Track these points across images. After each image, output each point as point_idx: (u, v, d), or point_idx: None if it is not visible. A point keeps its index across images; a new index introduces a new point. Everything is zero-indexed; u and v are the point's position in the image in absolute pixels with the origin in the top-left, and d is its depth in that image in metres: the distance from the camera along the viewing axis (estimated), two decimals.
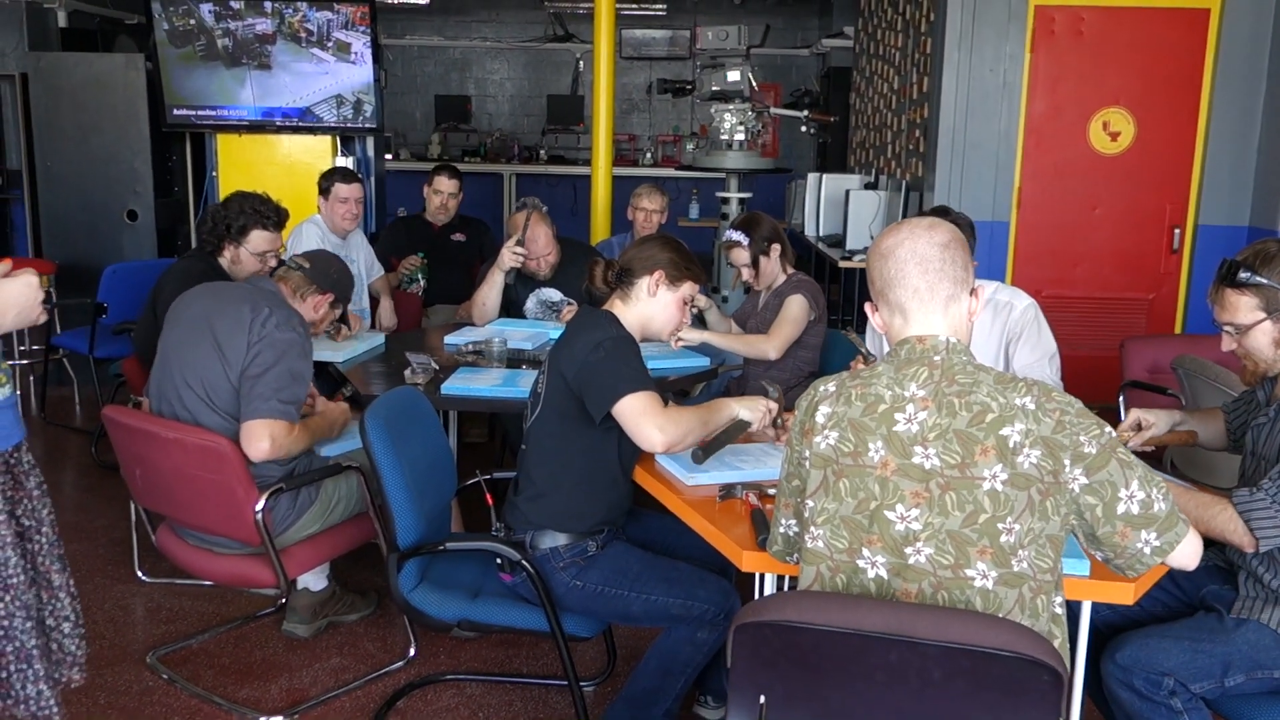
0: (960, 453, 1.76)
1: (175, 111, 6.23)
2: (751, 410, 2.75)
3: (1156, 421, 2.73)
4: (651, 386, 2.60)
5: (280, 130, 6.23)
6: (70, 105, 6.71)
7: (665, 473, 2.75)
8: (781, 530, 2.06)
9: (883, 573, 1.80)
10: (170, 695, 3.18)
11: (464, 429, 5.31)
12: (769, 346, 3.95)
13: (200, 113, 6.23)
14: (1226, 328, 2.40)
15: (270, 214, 3.87)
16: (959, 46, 5.97)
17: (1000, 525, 1.74)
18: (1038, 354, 3.16)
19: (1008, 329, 3.21)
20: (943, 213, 3.07)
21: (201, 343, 3.01)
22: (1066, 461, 1.73)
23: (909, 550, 1.78)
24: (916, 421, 1.80)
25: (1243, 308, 2.34)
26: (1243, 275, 2.29)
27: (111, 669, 3.29)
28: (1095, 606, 2.36)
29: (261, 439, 2.91)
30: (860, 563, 1.82)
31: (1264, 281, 2.28)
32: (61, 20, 8.74)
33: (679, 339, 3.90)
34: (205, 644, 3.49)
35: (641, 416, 2.54)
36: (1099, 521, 1.77)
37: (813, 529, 1.88)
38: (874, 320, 1.97)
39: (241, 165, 6.26)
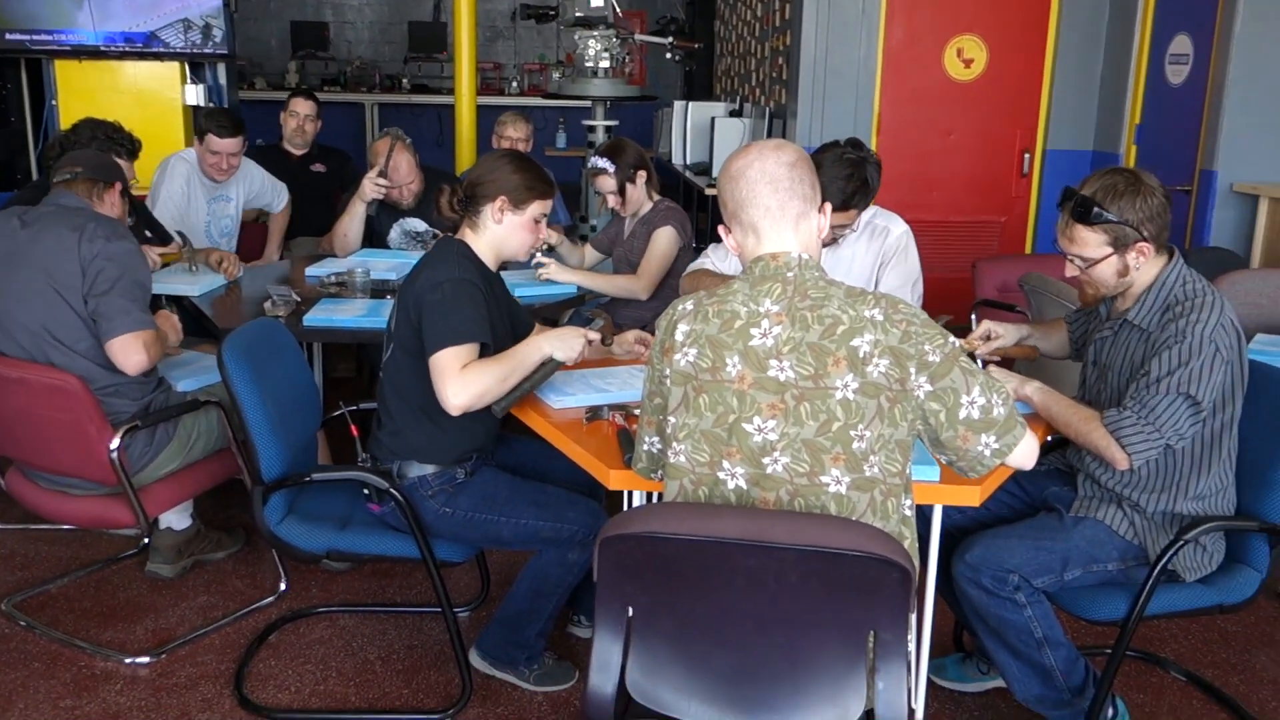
0: (813, 364, 1.82)
1: (7, 36, 5.88)
2: (565, 347, 2.65)
3: (1005, 333, 2.86)
4: (476, 337, 2.53)
5: (124, 56, 5.93)
6: None
7: (532, 396, 2.76)
8: (645, 448, 2.10)
9: (742, 483, 1.86)
10: (29, 641, 3.09)
11: (331, 364, 5.22)
12: (638, 287, 3.98)
13: (35, 37, 5.88)
14: (1073, 259, 2.48)
15: (124, 141, 3.69)
16: None
17: (852, 433, 1.81)
18: (901, 279, 3.24)
19: (882, 252, 3.27)
20: (856, 146, 3.11)
21: (29, 281, 2.87)
22: (912, 370, 1.81)
23: (766, 460, 1.84)
24: (771, 336, 1.85)
25: (1091, 243, 2.42)
26: (1096, 213, 2.38)
27: None
28: (946, 511, 2.48)
29: (137, 351, 2.86)
30: (721, 474, 1.87)
31: (1113, 219, 2.38)
32: None
33: (546, 274, 3.89)
34: (65, 588, 3.40)
35: (441, 377, 2.49)
36: (942, 426, 1.85)
37: (675, 445, 1.92)
38: (727, 242, 2.01)
39: (84, 93, 5.95)
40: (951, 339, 1.86)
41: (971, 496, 2.23)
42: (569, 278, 3.95)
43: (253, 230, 5.10)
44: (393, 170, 4.35)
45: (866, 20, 6.06)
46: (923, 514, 2.38)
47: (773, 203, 1.92)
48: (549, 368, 2.65)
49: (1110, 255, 2.41)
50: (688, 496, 1.92)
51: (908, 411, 1.83)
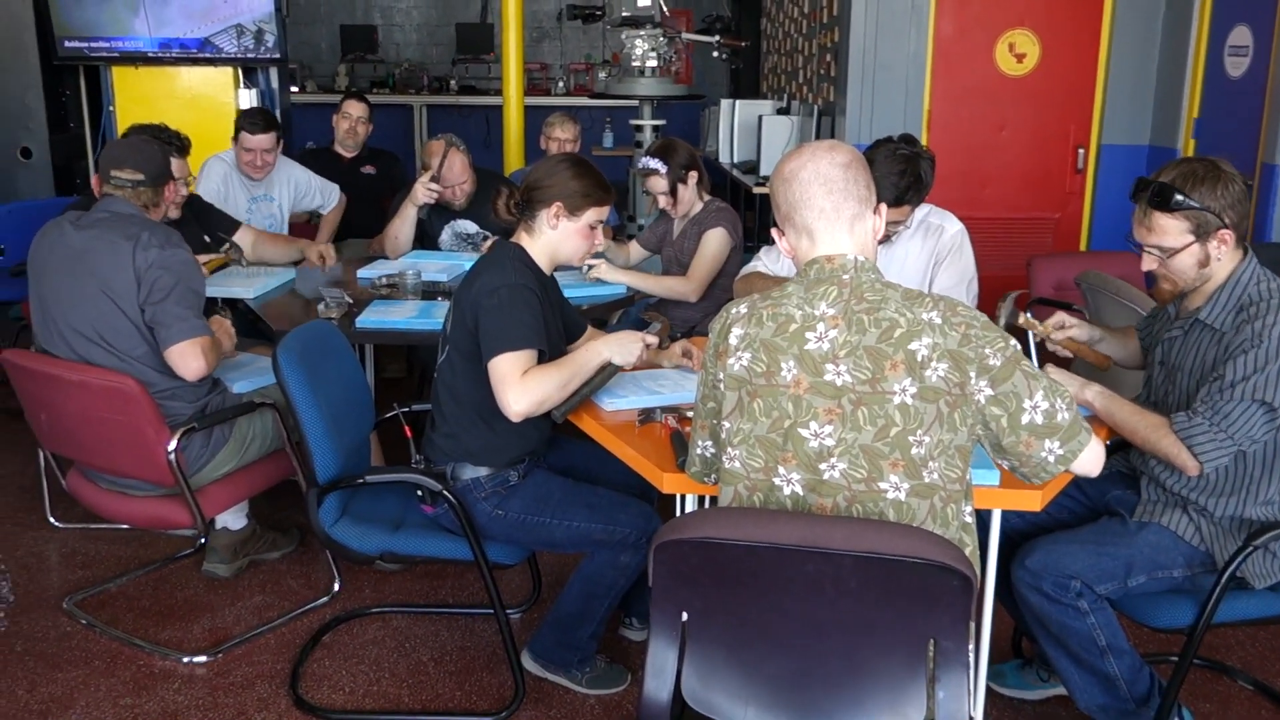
0: (870, 368, 1.79)
1: (66, 43, 5.97)
2: (623, 352, 2.65)
3: (1079, 326, 2.78)
4: (533, 344, 2.54)
5: (178, 62, 6.01)
6: None
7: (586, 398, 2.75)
8: (699, 452, 2.08)
9: (798, 489, 1.84)
10: (90, 640, 3.14)
11: (382, 364, 5.26)
12: (688, 289, 3.95)
13: (93, 44, 5.97)
14: (1151, 250, 2.41)
15: (173, 139, 3.74)
16: None
17: (911, 438, 1.78)
18: (955, 278, 3.20)
19: (936, 251, 3.23)
20: (910, 141, 3.08)
21: (83, 287, 2.91)
22: (972, 374, 1.78)
23: (823, 466, 1.81)
24: (827, 339, 1.82)
25: (1172, 231, 2.35)
26: (1177, 199, 2.32)
27: (27, 616, 3.24)
28: (1005, 515, 2.44)
29: (195, 358, 2.90)
30: (776, 480, 1.85)
31: (1195, 205, 2.32)
32: None
33: (596, 275, 3.89)
34: (124, 587, 3.44)
35: (501, 384, 2.50)
36: (1004, 432, 1.82)
37: (729, 450, 1.90)
38: (781, 244, 1.99)
39: (140, 99, 6.03)
40: (1013, 342, 1.82)
41: (1032, 501, 2.19)
42: (618, 278, 3.95)
43: (304, 231, 5.14)
44: (446, 170, 4.36)
45: (916, 15, 5.99)
46: (981, 518, 2.34)
47: (827, 204, 1.90)
48: (608, 372, 2.65)
49: (1191, 244, 2.35)
50: (742, 502, 1.90)
51: (968, 416, 1.80)
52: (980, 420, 1.82)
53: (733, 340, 1.90)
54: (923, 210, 3.23)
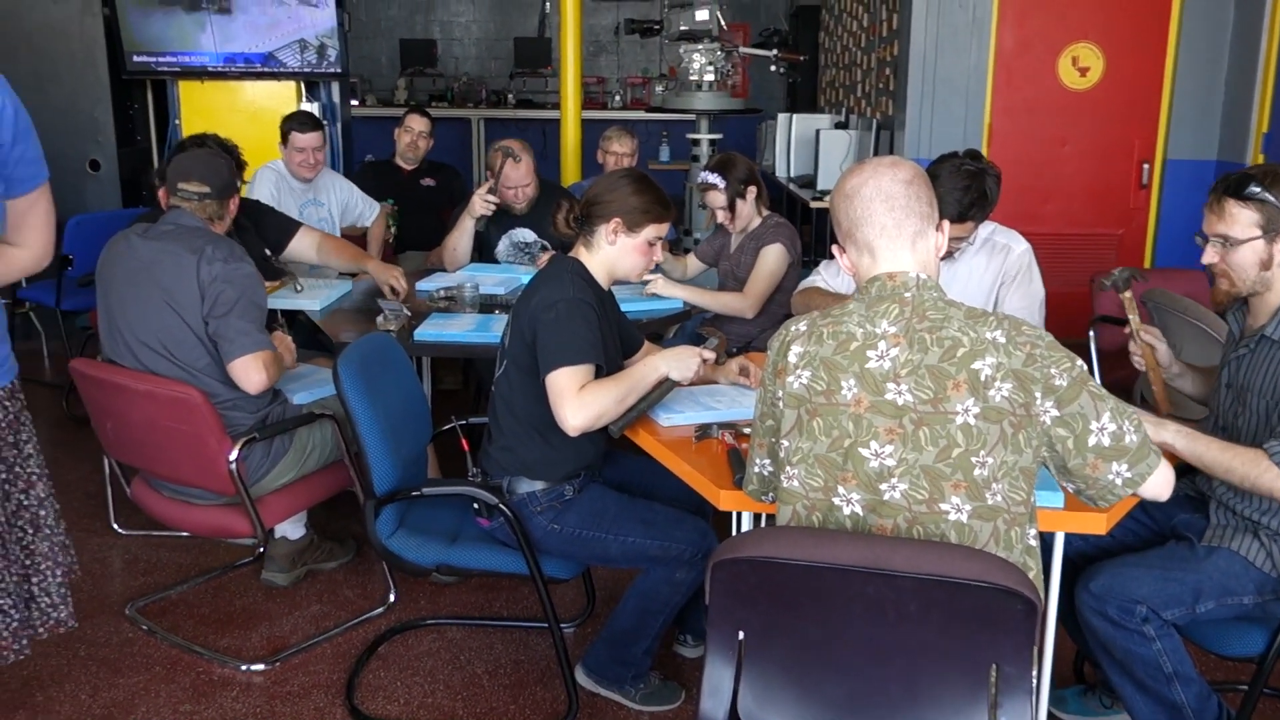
0: (932, 388, 1.77)
1: (135, 58, 6.10)
2: (681, 367, 2.66)
3: (1166, 347, 2.71)
4: (590, 359, 2.54)
5: (243, 76, 6.12)
6: (26, 51, 6.55)
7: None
8: (757, 470, 2.06)
9: (858, 509, 1.82)
10: (150, 646, 3.18)
11: (438, 376, 5.29)
12: (745, 305, 3.93)
13: (161, 59, 6.10)
14: (1215, 239, 2.37)
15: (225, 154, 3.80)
16: None
17: (974, 459, 1.75)
18: (1027, 300, 3.16)
19: (1003, 271, 3.19)
20: (975, 157, 3.05)
21: (148, 299, 2.96)
22: (1038, 394, 1.75)
23: (884, 486, 1.79)
24: (888, 358, 1.80)
25: (1241, 221, 2.32)
26: (1253, 189, 2.29)
27: (90, 621, 3.29)
28: (1068, 537, 2.39)
29: (258, 371, 2.93)
30: (836, 500, 1.83)
31: (1270, 199, 2.28)
32: None
33: (653, 289, 3.89)
34: (184, 594, 3.49)
35: (559, 398, 2.50)
36: (1070, 454, 1.78)
37: (788, 468, 1.89)
38: (841, 261, 1.97)
39: (205, 112, 6.15)
40: (1079, 362, 1.79)
41: (1098, 524, 2.15)
42: (675, 293, 3.94)
43: (356, 243, 5.20)
44: (511, 170, 4.37)
45: (977, 29, 5.94)
46: (1044, 540, 2.29)
47: (888, 221, 1.88)
48: (665, 387, 2.65)
49: (1257, 239, 2.31)
50: (801, 522, 1.88)
51: (1032, 438, 1.77)
52: (1045, 442, 1.79)
53: (792, 358, 1.89)
54: (987, 228, 3.19)
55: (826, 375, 1.84)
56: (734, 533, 2.47)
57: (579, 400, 2.49)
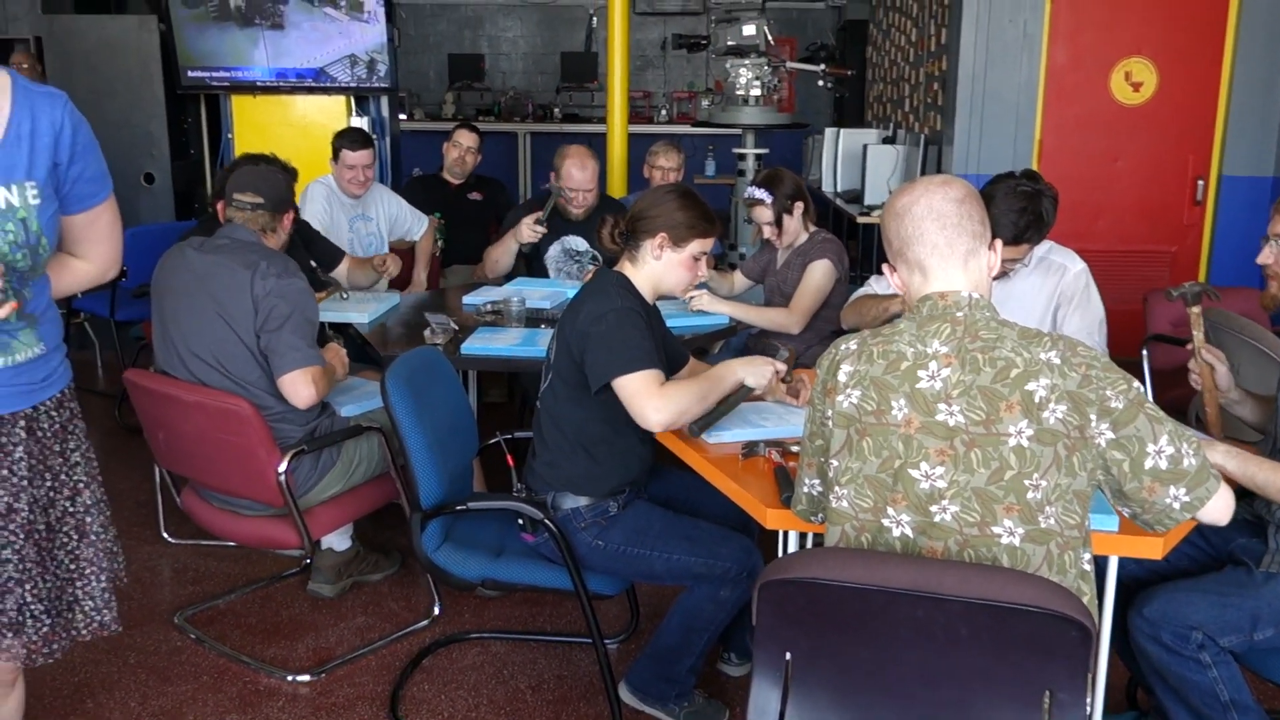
0: (985, 409, 1.75)
1: (189, 73, 6.20)
2: (756, 374, 2.68)
3: (1227, 370, 2.66)
4: (652, 363, 2.54)
5: (294, 91, 6.19)
6: (84, 68, 6.69)
7: (684, 431, 2.73)
8: (805, 490, 2.05)
9: (908, 531, 1.80)
10: (198, 655, 3.21)
11: (483, 389, 5.31)
12: (791, 321, 3.91)
13: (214, 74, 6.19)
14: (1275, 239, 2.36)
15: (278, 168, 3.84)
16: None
17: (1027, 482, 1.73)
18: (1087, 320, 3.12)
19: (1059, 291, 3.15)
20: (1032, 178, 3.03)
21: (202, 311, 3.00)
22: (1093, 416, 1.72)
23: (934, 508, 1.77)
24: (940, 378, 1.78)
25: None
26: None
27: (140, 629, 3.33)
28: (1122, 561, 2.35)
29: (306, 386, 2.96)
30: (885, 521, 1.81)
31: None
32: None
33: (698, 305, 3.88)
34: (232, 604, 3.52)
35: (637, 396, 2.50)
36: (1126, 477, 1.75)
37: (837, 488, 1.87)
38: (892, 281, 1.96)
39: (256, 126, 6.23)
40: (1135, 384, 1.76)
41: (1153, 548, 2.11)
42: (720, 309, 3.93)
43: (403, 256, 5.23)
44: (576, 170, 4.42)
45: (1028, 44, 5.88)
46: (1097, 564, 2.25)
47: (940, 240, 1.86)
48: (741, 393, 2.67)
49: None
50: (850, 542, 1.86)
51: (1087, 460, 1.74)
52: (1101, 465, 1.76)
53: (841, 377, 1.87)
54: (1043, 247, 3.16)
55: (876, 395, 1.82)
56: (780, 551, 2.46)
57: (662, 396, 2.50)
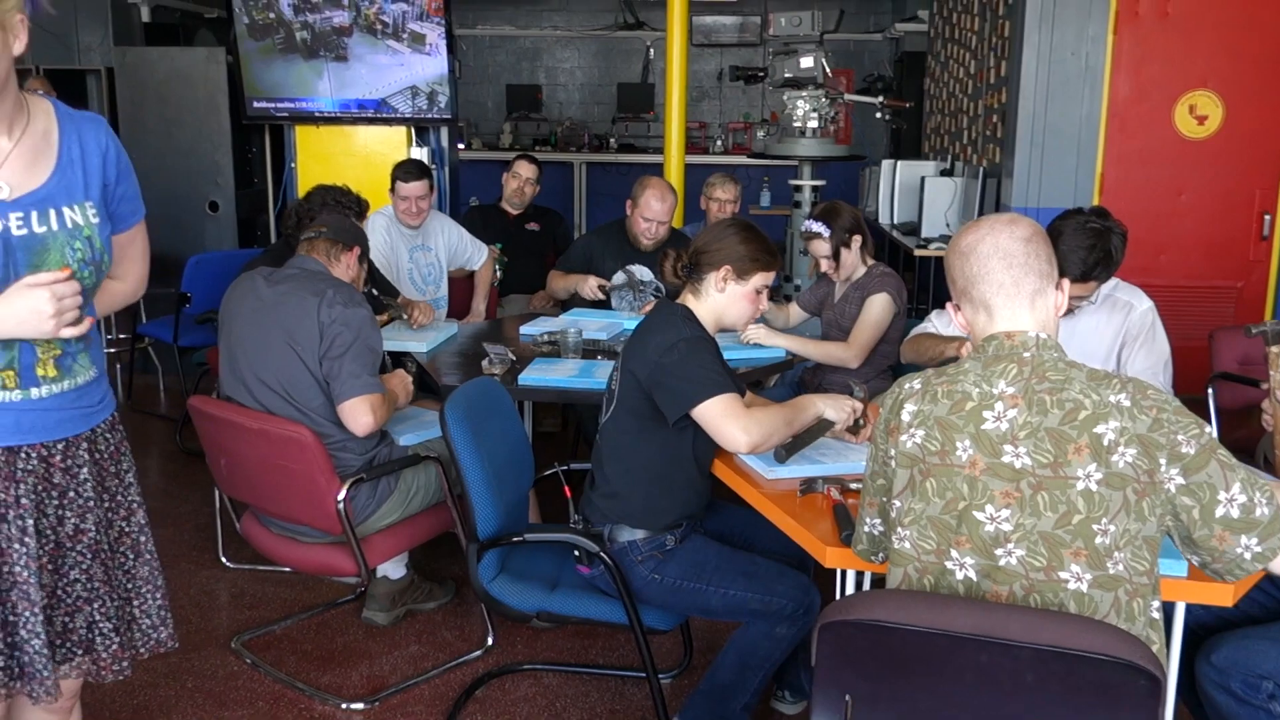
0: (1052, 451, 1.72)
1: (255, 104, 6.32)
2: (837, 410, 2.71)
3: None
4: (731, 388, 2.57)
5: (356, 121, 6.29)
6: (154, 99, 6.84)
7: (744, 466, 2.72)
8: (867, 529, 2.03)
9: (971, 574, 1.77)
10: (254, 680, 3.24)
11: (538, 418, 5.33)
12: (849, 355, 3.88)
13: (279, 105, 6.31)
14: None
15: (350, 204, 3.91)
16: (1039, 29, 5.83)
17: (1095, 526, 1.70)
18: (1153, 359, 3.07)
19: (1125, 329, 3.11)
20: (1101, 215, 3.00)
21: (271, 340, 3.05)
22: (1163, 461, 1.69)
23: (999, 551, 1.74)
24: (1006, 419, 1.76)
25: None
26: None
27: (198, 653, 3.37)
28: (1189, 606, 2.30)
29: (365, 414, 3.00)
30: (949, 564, 1.79)
31: None
32: (145, 15, 8.91)
33: (753, 338, 3.87)
34: (288, 629, 3.55)
35: (724, 419, 2.52)
36: (1195, 524, 1.72)
37: (899, 529, 1.85)
38: (956, 320, 1.95)
39: (319, 156, 6.34)
40: (1208, 429, 1.72)
41: (1223, 595, 2.06)
42: (777, 342, 3.92)
43: (461, 287, 5.29)
44: (655, 201, 4.53)
45: (1090, 76, 5.83)
46: (1165, 609, 2.21)
47: (1006, 279, 1.85)
48: (821, 426, 2.69)
49: None
50: (912, 584, 1.84)
51: (1157, 506, 1.71)
52: (1170, 511, 1.72)
53: (905, 416, 1.86)
54: (1110, 284, 3.12)
55: (941, 435, 1.80)
56: (838, 590, 2.43)
57: (751, 418, 2.52)
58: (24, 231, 1.86)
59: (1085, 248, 2.89)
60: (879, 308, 3.88)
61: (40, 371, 1.95)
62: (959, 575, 1.78)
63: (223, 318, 3.21)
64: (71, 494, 2.01)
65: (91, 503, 2.04)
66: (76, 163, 1.95)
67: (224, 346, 3.17)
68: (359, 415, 2.99)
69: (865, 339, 3.88)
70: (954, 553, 1.78)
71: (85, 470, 2.03)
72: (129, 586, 2.15)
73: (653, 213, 4.51)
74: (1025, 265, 1.85)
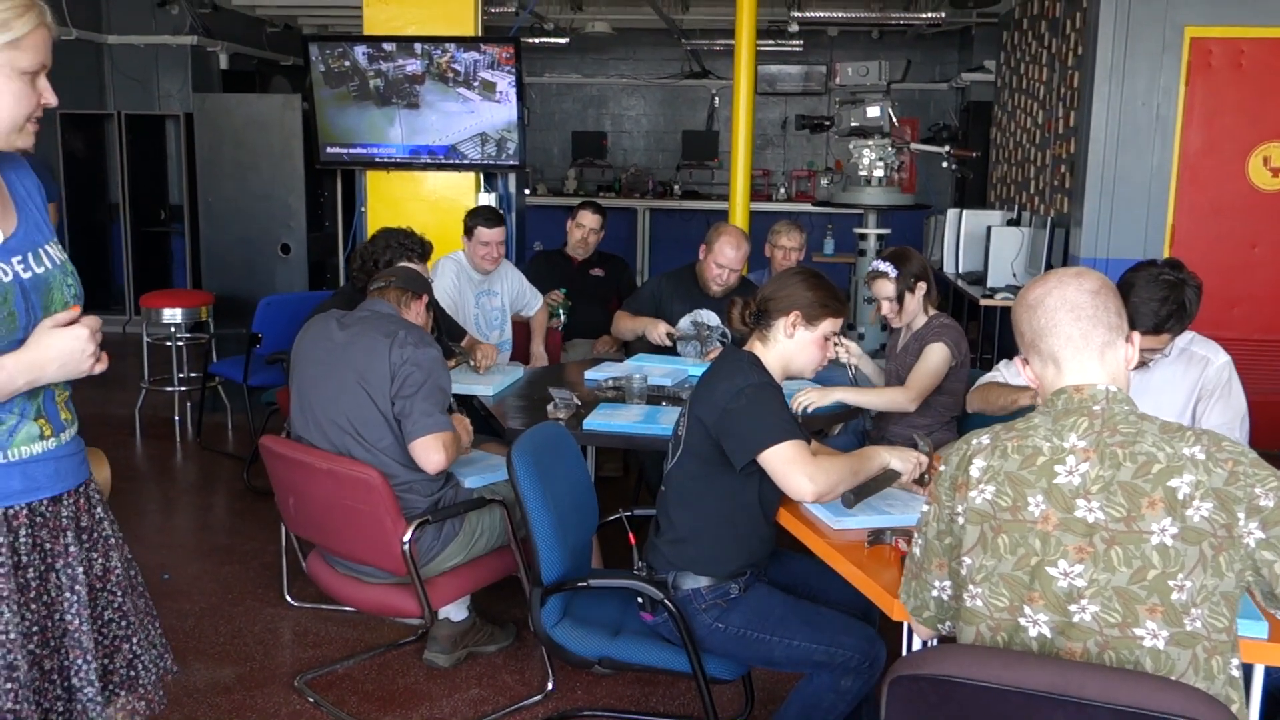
0: (1125, 505, 1.69)
1: (328, 149, 6.47)
2: (903, 459, 2.69)
3: None
4: (797, 435, 2.57)
5: (426, 167, 6.41)
6: (230, 143, 7.04)
7: (811, 516, 2.71)
8: (934, 594, 1.97)
9: (1045, 631, 1.74)
10: (317, 719, 3.26)
11: (600, 463, 5.34)
12: (905, 399, 3.85)
13: (351, 150, 6.45)
14: None
15: (415, 246, 3.98)
16: (1109, 79, 5.81)
17: (1171, 582, 1.66)
18: (1229, 414, 3.02)
19: (1200, 384, 3.06)
20: (1175, 266, 2.97)
21: (343, 380, 3.10)
22: (1241, 515, 1.65)
23: (1073, 608, 1.71)
24: (1078, 473, 1.74)
25: None
26: None
27: (261, 690, 3.40)
28: (1268, 669, 2.23)
29: (437, 452, 3.03)
30: (1022, 620, 1.76)
31: None
32: (223, 63, 9.19)
33: (806, 403, 3.79)
34: (350, 669, 3.57)
35: (790, 465, 2.51)
36: (1277, 580, 1.67)
37: (971, 587, 1.82)
38: (1025, 374, 1.92)
39: (389, 200, 6.46)
40: None
41: None
42: (833, 397, 3.82)
43: (521, 329, 5.33)
44: (730, 248, 4.58)
45: (1161, 127, 5.78)
46: (1244, 671, 2.15)
47: (1075, 331, 1.83)
48: (888, 476, 2.68)
49: None
50: (985, 643, 1.81)
51: (1235, 561, 1.67)
52: (1250, 566, 1.68)
53: (974, 472, 1.83)
54: (1185, 337, 3.07)
55: (1012, 490, 1.78)
56: (904, 643, 2.40)
57: (818, 466, 2.52)
58: (30, 274, 1.85)
59: (1158, 300, 2.85)
60: (936, 356, 3.86)
61: (63, 416, 1.95)
62: (1033, 632, 1.75)
63: (295, 359, 3.27)
64: (96, 534, 2.01)
65: (112, 540, 2.03)
66: (27, 201, 1.92)
67: (295, 387, 3.23)
68: (431, 453, 3.03)
69: (922, 384, 3.85)
70: (1027, 609, 1.75)
71: (99, 509, 2.03)
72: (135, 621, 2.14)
73: (726, 260, 4.55)
74: (1094, 318, 1.83)
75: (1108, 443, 1.74)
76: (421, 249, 4.02)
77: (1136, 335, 1.89)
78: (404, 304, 3.32)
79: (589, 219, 5.72)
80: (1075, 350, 1.83)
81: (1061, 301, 1.84)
